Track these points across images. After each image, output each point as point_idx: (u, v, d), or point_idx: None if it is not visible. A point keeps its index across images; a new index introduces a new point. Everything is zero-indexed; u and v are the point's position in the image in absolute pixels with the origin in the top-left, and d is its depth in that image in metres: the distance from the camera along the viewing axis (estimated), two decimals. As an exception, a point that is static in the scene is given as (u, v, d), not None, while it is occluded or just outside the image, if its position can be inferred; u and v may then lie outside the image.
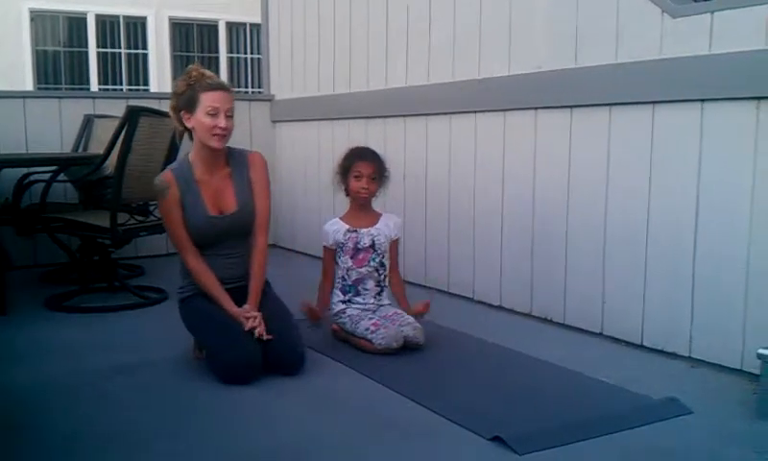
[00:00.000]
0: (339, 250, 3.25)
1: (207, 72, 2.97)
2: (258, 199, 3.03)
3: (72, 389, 2.70)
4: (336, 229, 3.26)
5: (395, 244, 3.34)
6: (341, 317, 3.22)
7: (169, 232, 2.97)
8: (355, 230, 3.24)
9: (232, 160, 3.04)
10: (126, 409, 2.52)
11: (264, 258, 3.02)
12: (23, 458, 2.16)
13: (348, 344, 3.18)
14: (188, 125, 2.91)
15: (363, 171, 3.22)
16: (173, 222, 2.91)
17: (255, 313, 2.84)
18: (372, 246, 3.24)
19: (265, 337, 2.78)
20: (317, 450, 2.21)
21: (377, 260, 3.25)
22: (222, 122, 2.85)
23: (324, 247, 3.29)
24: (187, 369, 2.90)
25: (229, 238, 2.99)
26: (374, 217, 3.31)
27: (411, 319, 3.16)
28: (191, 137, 2.97)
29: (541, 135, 3.56)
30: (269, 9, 6.01)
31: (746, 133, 2.70)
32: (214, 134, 2.86)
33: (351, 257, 3.24)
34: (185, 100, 2.89)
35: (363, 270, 3.24)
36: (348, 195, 3.31)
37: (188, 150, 3.04)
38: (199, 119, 2.87)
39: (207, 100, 2.85)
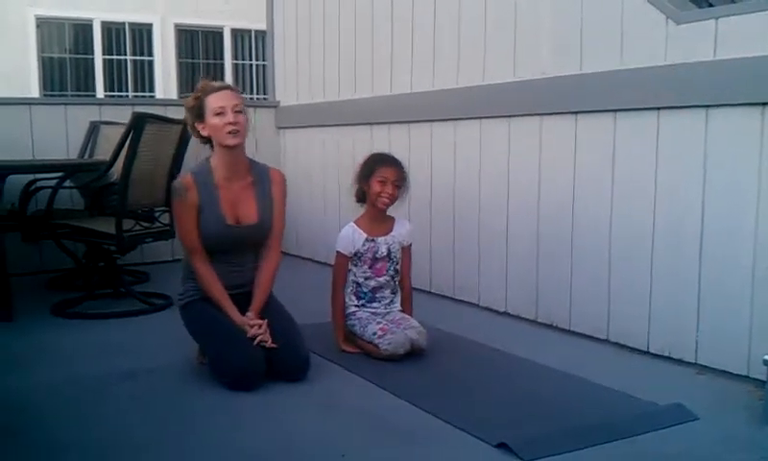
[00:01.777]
0: (356, 258, 3.22)
1: (214, 82, 2.99)
2: (276, 216, 3.04)
3: (76, 395, 2.70)
4: (356, 238, 3.19)
5: (407, 250, 3.31)
6: (350, 319, 3.21)
7: (180, 234, 2.97)
8: (373, 240, 3.20)
9: (255, 172, 3.05)
10: (129, 415, 2.52)
11: (274, 272, 3.03)
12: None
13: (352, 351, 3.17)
14: (204, 134, 2.94)
15: (388, 176, 3.15)
16: (186, 225, 2.91)
17: (260, 321, 2.85)
18: (388, 255, 3.23)
19: (268, 345, 2.78)
20: (321, 456, 2.21)
21: (393, 268, 3.24)
22: (230, 118, 2.86)
23: (340, 253, 3.21)
24: (191, 375, 2.91)
25: (241, 248, 2.99)
26: (390, 224, 3.26)
27: (416, 323, 3.15)
28: (212, 147, 2.98)
29: (546, 141, 3.55)
30: (274, 16, 6.03)
31: (751, 138, 2.70)
32: (227, 132, 2.87)
33: (370, 267, 3.21)
34: (196, 111, 2.94)
35: (382, 279, 3.22)
36: (360, 201, 3.25)
37: (208, 155, 3.04)
38: (209, 123, 2.90)
39: (213, 102, 2.88)
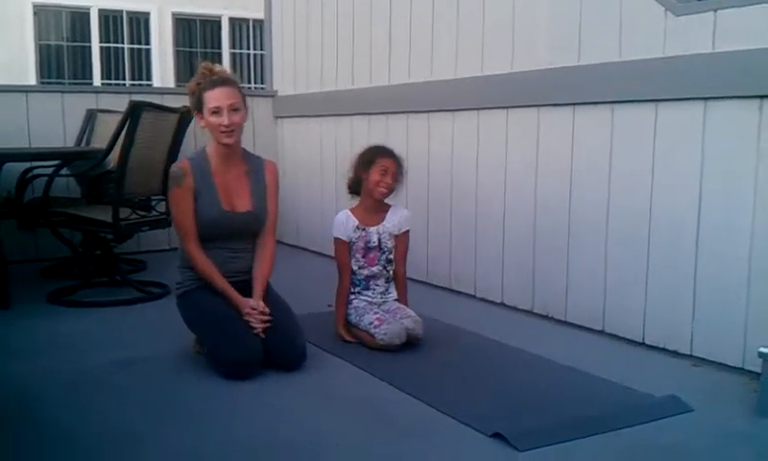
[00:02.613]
0: (350, 246, 3.22)
1: (216, 67, 2.99)
2: (270, 205, 3.06)
3: (72, 383, 2.70)
4: (349, 224, 3.21)
5: (403, 237, 3.29)
6: (347, 307, 3.21)
7: (176, 221, 2.97)
8: (364, 229, 3.21)
9: (249, 162, 3.06)
10: (126, 404, 2.53)
11: (271, 259, 3.04)
12: (21, 452, 2.16)
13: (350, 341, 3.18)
14: (202, 125, 2.95)
15: (388, 166, 3.17)
16: (183, 211, 2.91)
17: (263, 306, 2.85)
18: (379, 245, 3.23)
19: (257, 330, 2.78)
20: (317, 446, 2.21)
21: (384, 258, 3.24)
22: (225, 120, 2.86)
23: (338, 239, 3.23)
24: (188, 364, 2.91)
25: (237, 236, 3.00)
26: (383, 213, 3.26)
27: (412, 312, 3.16)
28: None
29: (544, 133, 3.55)
30: (272, 4, 6.01)
31: (749, 131, 2.70)
32: (221, 132, 2.88)
33: (363, 256, 3.22)
34: (195, 102, 2.95)
35: (375, 269, 3.22)
36: (354, 192, 3.27)
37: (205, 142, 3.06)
38: (207, 119, 2.91)
39: (209, 100, 2.88)
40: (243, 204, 3.00)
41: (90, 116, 4.99)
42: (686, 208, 2.92)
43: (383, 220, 3.25)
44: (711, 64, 2.80)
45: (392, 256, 3.26)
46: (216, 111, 2.87)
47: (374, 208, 3.25)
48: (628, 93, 3.13)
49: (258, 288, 2.94)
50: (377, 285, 3.25)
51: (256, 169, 3.07)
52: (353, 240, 3.21)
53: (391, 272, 3.28)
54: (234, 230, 2.99)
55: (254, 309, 2.83)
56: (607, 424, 2.32)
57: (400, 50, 4.45)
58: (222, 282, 2.90)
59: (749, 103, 2.69)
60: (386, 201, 3.28)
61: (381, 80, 4.64)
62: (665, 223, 3.02)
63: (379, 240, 3.23)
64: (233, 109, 2.88)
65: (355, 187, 3.27)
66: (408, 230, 3.32)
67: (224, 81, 2.93)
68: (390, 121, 4.57)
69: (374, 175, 3.17)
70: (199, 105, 2.93)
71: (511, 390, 2.65)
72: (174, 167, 2.98)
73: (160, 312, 3.62)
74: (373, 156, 3.20)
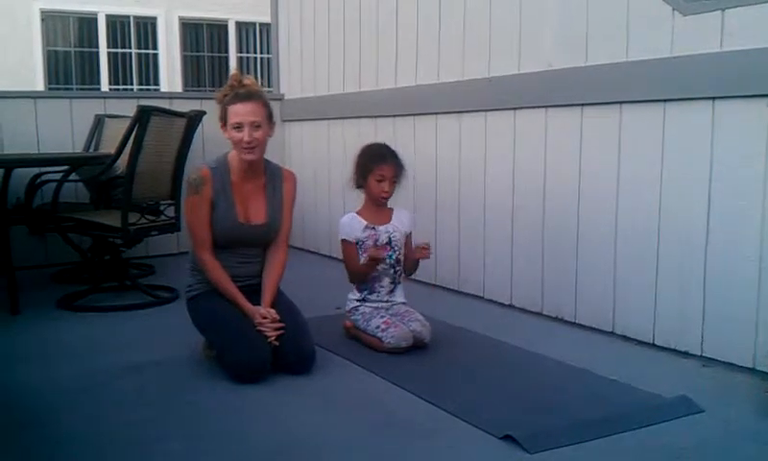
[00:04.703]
0: (357, 246, 3.23)
1: (246, 79, 2.95)
2: (285, 215, 3.06)
3: (82, 388, 2.71)
4: (355, 225, 3.22)
5: (409, 238, 3.31)
6: (354, 314, 3.22)
7: (190, 228, 2.97)
8: (373, 228, 3.22)
9: (268, 172, 3.06)
10: (135, 408, 2.53)
11: (281, 270, 3.05)
12: (30, 457, 2.17)
13: (359, 341, 3.18)
14: (226, 137, 2.94)
15: (386, 174, 3.17)
16: (198, 219, 2.91)
17: (273, 312, 2.85)
18: (389, 243, 3.23)
19: (270, 341, 2.79)
20: (326, 449, 2.21)
21: (394, 257, 3.24)
22: (246, 136, 2.85)
23: (345, 240, 3.24)
24: (197, 368, 2.91)
25: (249, 245, 3.01)
26: (389, 213, 3.29)
27: (420, 316, 3.16)
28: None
29: (552, 134, 3.55)
30: (278, 8, 6.02)
31: (757, 130, 2.69)
32: (243, 148, 2.88)
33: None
34: (221, 112, 2.93)
35: (380, 267, 3.23)
36: (360, 187, 3.27)
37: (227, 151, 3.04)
38: (229, 133, 2.90)
39: (232, 115, 2.88)
40: (258, 216, 3.00)
41: (98, 121, 5.01)
42: (695, 208, 2.91)
43: (390, 219, 3.27)
44: (719, 64, 2.79)
45: (401, 257, 3.26)
46: (238, 127, 2.86)
47: (379, 209, 3.27)
48: (636, 93, 3.12)
49: (267, 296, 2.94)
50: (382, 287, 3.24)
51: (275, 179, 3.06)
52: (362, 240, 3.21)
53: (398, 272, 3.28)
54: (247, 240, 2.99)
55: (265, 318, 2.83)
56: (617, 426, 2.31)
57: (407, 52, 4.45)
58: (233, 291, 2.90)
59: (757, 102, 2.68)
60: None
61: (388, 82, 4.64)
62: (674, 223, 3.01)
63: (390, 239, 3.23)
64: (255, 127, 2.87)
65: (361, 184, 3.27)
66: (411, 232, 3.34)
67: (249, 95, 2.90)
68: (397, 124, 4.57)
69: (372, 184, 3.19)
70: (223, 117, 2.92)
71: (521, 392, 2.64)
72: (194, 174, 2.95)
73: (170, 316, 3.64)
74: (369, 165, 3.20)
